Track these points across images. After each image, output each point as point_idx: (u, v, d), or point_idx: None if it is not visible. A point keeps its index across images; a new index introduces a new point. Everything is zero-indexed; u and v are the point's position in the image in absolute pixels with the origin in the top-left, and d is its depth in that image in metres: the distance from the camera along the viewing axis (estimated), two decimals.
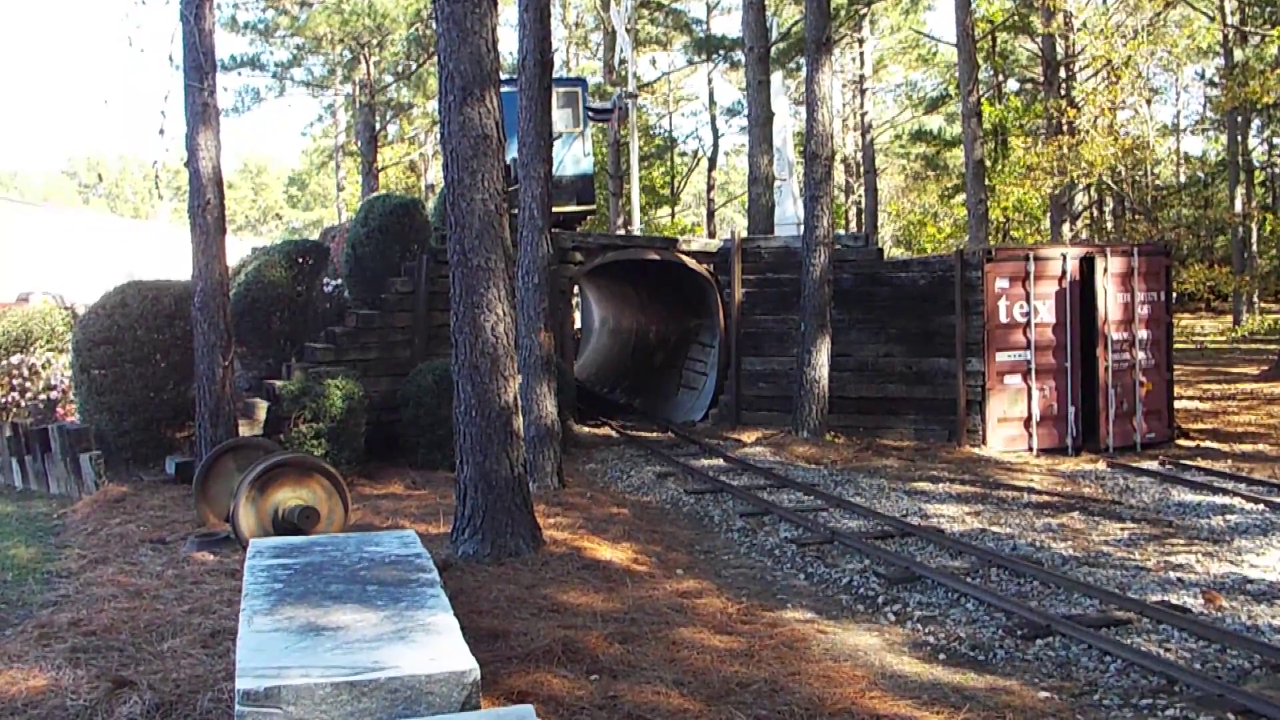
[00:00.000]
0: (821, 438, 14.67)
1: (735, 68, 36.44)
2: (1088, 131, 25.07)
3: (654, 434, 16.37)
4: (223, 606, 6.88)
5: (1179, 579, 8.06)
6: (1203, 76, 40.78)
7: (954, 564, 8.60)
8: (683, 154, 45.79)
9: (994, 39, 31.51)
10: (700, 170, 46.44)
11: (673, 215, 44.86)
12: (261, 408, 12.60)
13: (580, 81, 21.13)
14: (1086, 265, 14.88)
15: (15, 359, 14.39)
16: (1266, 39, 26.09)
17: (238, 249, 20.11)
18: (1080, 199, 31.45)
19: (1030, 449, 14.60)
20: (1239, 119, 31.14)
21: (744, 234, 18.02)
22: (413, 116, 40.70)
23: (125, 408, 12.36)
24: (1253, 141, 35.54)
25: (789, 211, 19.49)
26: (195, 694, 5.24)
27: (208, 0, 10.86)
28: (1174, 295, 16.72)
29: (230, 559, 8.24)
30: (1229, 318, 32.49)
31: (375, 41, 33.61)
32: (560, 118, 17.12)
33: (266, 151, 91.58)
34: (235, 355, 11.95)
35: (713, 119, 41.12)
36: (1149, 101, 37.67)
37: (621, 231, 24.93)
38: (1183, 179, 42.49)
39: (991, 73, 33.48)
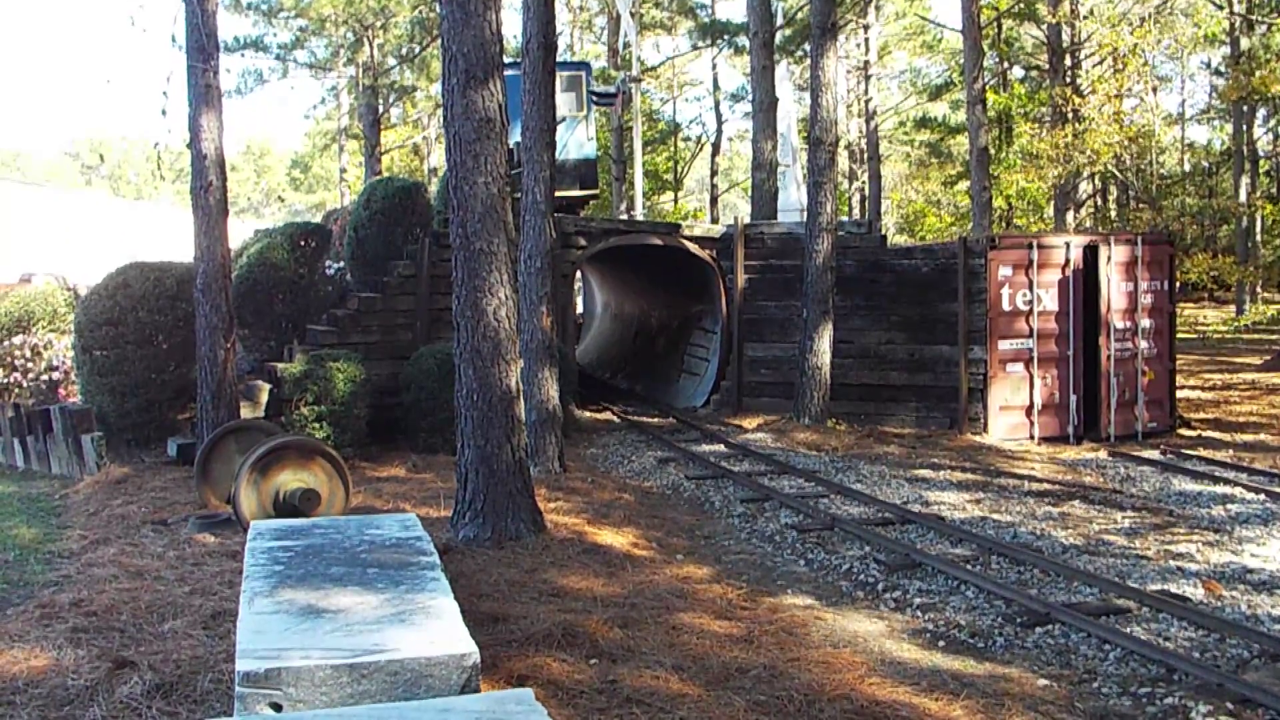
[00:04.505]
0: (823, 424, 14.66)
1: (740, 53, 36.28)
2: (1093, 120, 24.98)
3: (655, 419, 16.37)
4: (223, 588, 6.90)
5: (1179, 568, 8.06)
6: (1209, 65, 40.59)
7: (954, 551, 8.61)
8: (686, 139, 45.59)
9: (1000, 26, 31.33)
10: (704, 156, 46.22)
11: (676, 200, 44.72)
12: (263, 390, 12.60)
13: (584, 65, 21.04)
14: (1090, 254, 14.84)
15: (17, 339, 14.40)
16: (1273, 28, 25.96)
17: (240, 231, 20.06)
18: (1084, 187, 31.35)
19: (1032, 437, 14.60)
20: (1244, 108, 31.00)
21: (747, 220, 17.95)
22: (416, 100, 40.54)
23: (127, 389, 12.37)
24: (1258, 131, 35.39)
25: (792, 197, 19.43)
26: (195, 675, 5.26)
27: None
28: (1177, 285, 16.70)
29: (231, 541, 8.25)
30: (1232, 308, 32.46)
31: (379, 24, 33.51)
32: (564, 102, 17.04)
33: (269, 134, 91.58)
34: (237, 337, 11.95)
35: (716, 104, 40.96)
36: (1154, 90, 37.49)
37: (624, 216, 24.84)
38: (1187, 168, 42.33)
39: (997, 60, 33.32)
